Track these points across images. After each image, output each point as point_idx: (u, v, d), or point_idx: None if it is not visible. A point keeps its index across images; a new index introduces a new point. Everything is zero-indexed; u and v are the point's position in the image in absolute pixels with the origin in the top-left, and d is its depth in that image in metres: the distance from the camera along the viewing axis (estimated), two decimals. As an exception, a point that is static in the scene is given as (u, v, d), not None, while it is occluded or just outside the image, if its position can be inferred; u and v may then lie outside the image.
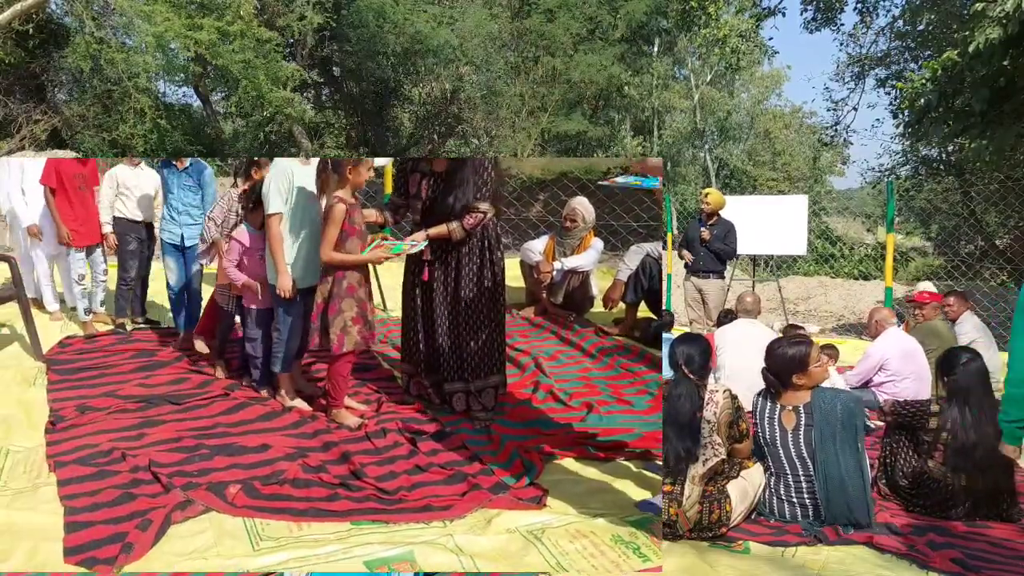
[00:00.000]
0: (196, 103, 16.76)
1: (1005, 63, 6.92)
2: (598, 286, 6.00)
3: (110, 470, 3.22)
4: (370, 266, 5.47)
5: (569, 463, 3.46)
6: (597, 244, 5.77)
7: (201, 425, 3.72)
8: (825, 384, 3.63)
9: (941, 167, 16.69)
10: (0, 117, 14.16)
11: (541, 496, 3.13)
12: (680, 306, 7.82)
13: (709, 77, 27.24)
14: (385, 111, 16.06)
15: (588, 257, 5.65)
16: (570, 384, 4.40)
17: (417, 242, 3.68)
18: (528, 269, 5.88)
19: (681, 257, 7.41)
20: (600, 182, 6.91)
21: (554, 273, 5.62)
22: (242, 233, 4.04)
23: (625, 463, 3.46)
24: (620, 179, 6.29)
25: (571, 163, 17.93)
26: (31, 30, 13.00)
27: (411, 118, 16.97)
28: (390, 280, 6.43)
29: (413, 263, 3.91)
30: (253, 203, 3.96)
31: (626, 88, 17.55)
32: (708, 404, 3.42)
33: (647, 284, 5.37)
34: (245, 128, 16.08)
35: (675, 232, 9.27)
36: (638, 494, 3.24)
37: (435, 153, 15.42)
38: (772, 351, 3.60)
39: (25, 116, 14.25)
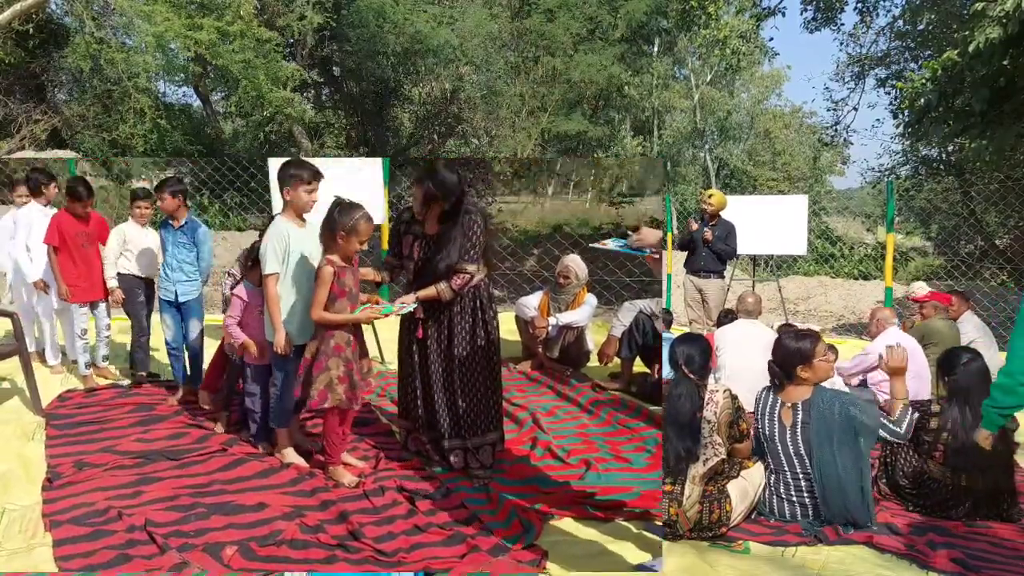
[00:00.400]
0: (196, 103, 16.79)
1: (1005, 63, 6.93)
2: (593, 341, 6.10)
3: (106, 530, 3.17)
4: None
5: (568, 523, 3.38)
6: (591, 300, 5.87)
7: (198, 482, 3.68)
8: (825, 384, 3.64)
9: (941, 167, 16.70)
10: (0, 117, 14.18)
11: (540, 559, 3.07)
12: (680, 306, 7.83)
13: (709, 77, 27.25)
14: (385, 111, 16.05)
15: (582, 313, 5.76)
16: (568, 440, 4.36)
17: (407, 304, 3.74)
18: (523, 324, 5.95)
19: (683, 247, 7.44)
20: (592, 244, 6.95)
21: (549, 328, 5.72)
22: (241, 290, 4.14)
23: (624, 524, 3.38)
24: (611, 243, 6.32)
25: (566, 217, 18.60)
26: (31, 30, 13.01)
27: (411, 118, 16.96)
28: (389, 334, 6.51)
29: (408, 320, 3.94)
30: (252, 261, 4.08)
31: (626, 88, 17.55)
32: (708, 404, 3.43)
33: (641, 340, 5.41)
34: (245, 128, 16.08)
35: (675, 232, 9.28)
36: (636, 556, 3.15)
37: (435, 153, 15.42)
38: (779, 343, 3.62)
39: (25, 116, 14.27)
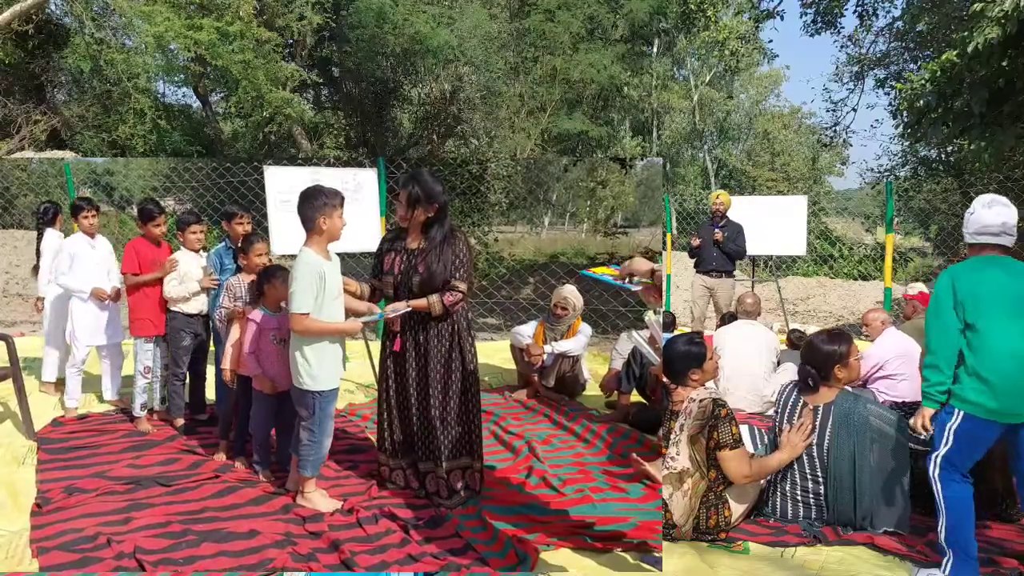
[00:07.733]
0: (196, 103, 16.75)
1: (1004, 64, 6.93)
2: (589, 370, 6.17)
3: (94, 556, 3.10)
4: (366, 344, 5.88)
5: (565, 553, 3.28)
6: (585, 329, 5.94)
7: (190, 509, 3.61)
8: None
9: (940, 167, 16.70)
10: (0, 117, 14.17)
11: (535, 589, 3.01)
12: (680, 306, 7.84)
13: (708, 78, 27.28)
14: (385, 111, 16.01)
15: (577, 342, 5.82)
16: (564, 470, 4.30)
17: (398, 309, 3.62)
18: (519, 352, 5.96)
19: (692, 252, 7.44)
20: (584, 272, 7.03)
21: (544, 357, 5.77)
22: (257, 314, 3.97)
23: (622, 554, 3.28)
24: (599, 273, 6.38)
25: (562, 247, 19.28)
26: (31, 30, 13.00)
27: (411, 118, 16.92)
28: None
29: (387, 344, 3.84)
30: (265, 285, 3.98)
31: (626, 88, 17.53)
32: (685, 410, 3.43)
33: (639, 372, 5.41)
34: (244, 128, 16.06)
35: (674, 232, 9.28)
36: (634, 587, 3.10)
37: (434, 153, 15.39)
38: (812, 345, 3.63)
39: (24, 116, 14.26)
